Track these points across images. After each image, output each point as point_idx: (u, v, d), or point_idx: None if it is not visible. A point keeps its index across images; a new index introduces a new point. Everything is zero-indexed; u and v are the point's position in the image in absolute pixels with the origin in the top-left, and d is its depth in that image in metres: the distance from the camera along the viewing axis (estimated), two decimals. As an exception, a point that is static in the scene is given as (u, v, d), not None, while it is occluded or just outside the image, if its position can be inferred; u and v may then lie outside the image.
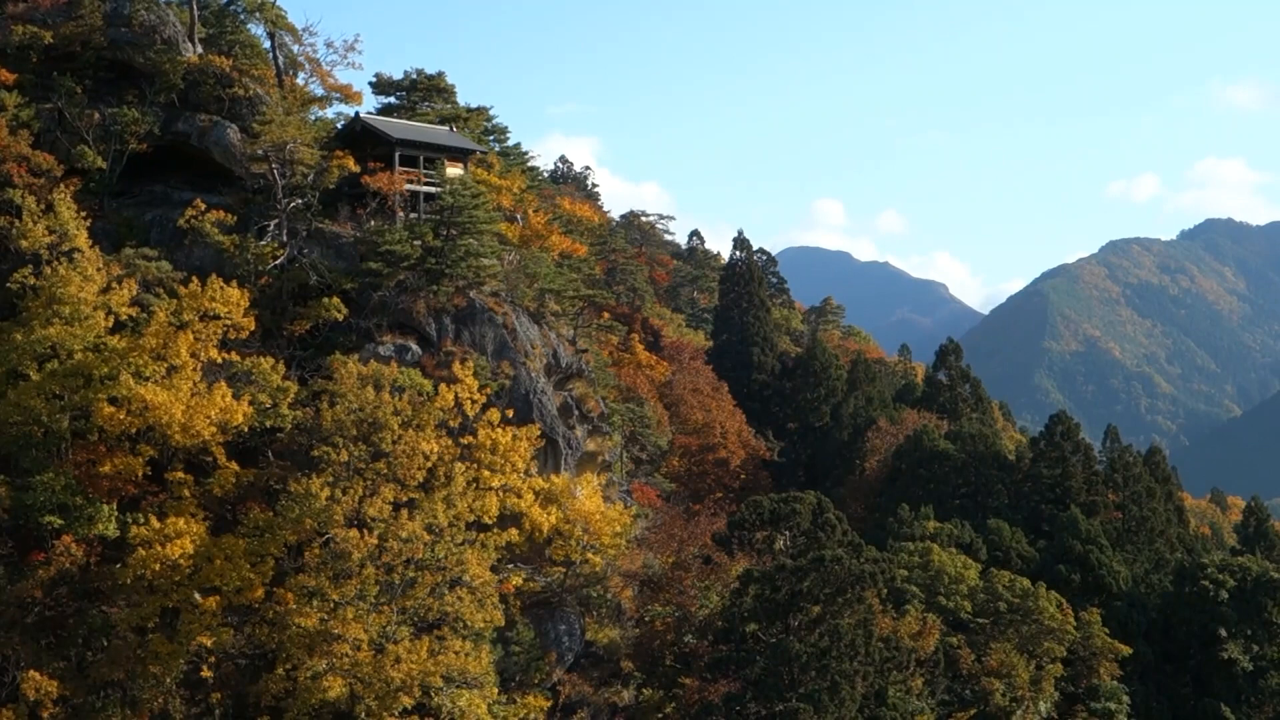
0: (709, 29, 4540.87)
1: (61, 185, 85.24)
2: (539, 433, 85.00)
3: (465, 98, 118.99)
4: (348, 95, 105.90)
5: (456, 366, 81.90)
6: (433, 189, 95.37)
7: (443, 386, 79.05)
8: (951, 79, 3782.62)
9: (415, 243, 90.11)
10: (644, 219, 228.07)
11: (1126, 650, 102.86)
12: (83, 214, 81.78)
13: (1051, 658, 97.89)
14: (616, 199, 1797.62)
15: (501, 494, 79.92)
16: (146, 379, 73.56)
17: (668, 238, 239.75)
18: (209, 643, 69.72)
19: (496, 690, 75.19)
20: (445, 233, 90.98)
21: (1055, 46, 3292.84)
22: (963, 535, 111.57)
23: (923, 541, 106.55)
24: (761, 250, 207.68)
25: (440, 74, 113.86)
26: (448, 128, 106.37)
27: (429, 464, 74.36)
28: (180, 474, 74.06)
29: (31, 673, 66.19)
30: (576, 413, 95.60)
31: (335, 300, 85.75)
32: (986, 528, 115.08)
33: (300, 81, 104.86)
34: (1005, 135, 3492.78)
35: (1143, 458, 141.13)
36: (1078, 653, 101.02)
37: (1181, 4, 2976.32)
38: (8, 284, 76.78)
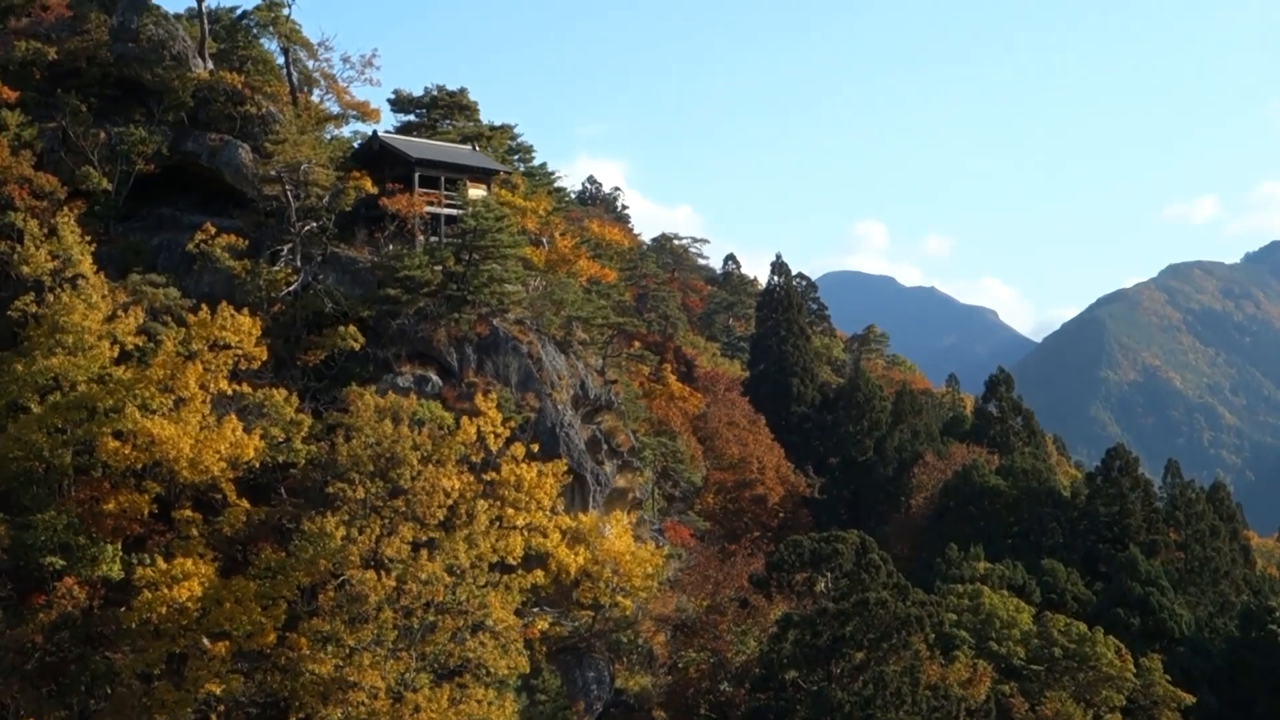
0: (742, 50, 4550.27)
1: (65, 208, 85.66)
2: (566, 468, 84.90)
3: (488, 115, 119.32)
4: (365, 113, 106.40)
5: (479, 398, 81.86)
6: (454, 211, 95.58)
7: (464, 420, 78.96)
8: (998, 99, 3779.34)
9: (436, 268, 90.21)
10: (676, 242, 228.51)
11: (1190, 699, 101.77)
12: (87, 238, 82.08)
13: (1110, 706, 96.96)
14: (648, 222, 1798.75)
15: (526, 533, 79.75)
16: (153, 412, 73.64)
17: (701, 262, 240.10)
18: (218, 690, 69.56)
19: (521, 741, 74.95)
20: (467, 257, 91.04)
21: (1108, 67, 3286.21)
22: (1015, 577, 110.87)
23: (972, 583, 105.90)
24: (801, 275, 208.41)
25: (462, 90, 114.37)
26: (470, 147, 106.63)
27: (450, 502, 74.17)
28: (188, 512, 74.10)
29: (31, 721, 66.24)
30: (605, 447, 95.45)
31: (351, 329, 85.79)
32: (1040, 569, 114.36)
33: (315, 99, 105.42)
34: (1055, 155, 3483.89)
35: (1206, 494, 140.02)
36: (1138, 701, 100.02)
37: (1238, 27, 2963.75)
38: (9, 312, 77.07)
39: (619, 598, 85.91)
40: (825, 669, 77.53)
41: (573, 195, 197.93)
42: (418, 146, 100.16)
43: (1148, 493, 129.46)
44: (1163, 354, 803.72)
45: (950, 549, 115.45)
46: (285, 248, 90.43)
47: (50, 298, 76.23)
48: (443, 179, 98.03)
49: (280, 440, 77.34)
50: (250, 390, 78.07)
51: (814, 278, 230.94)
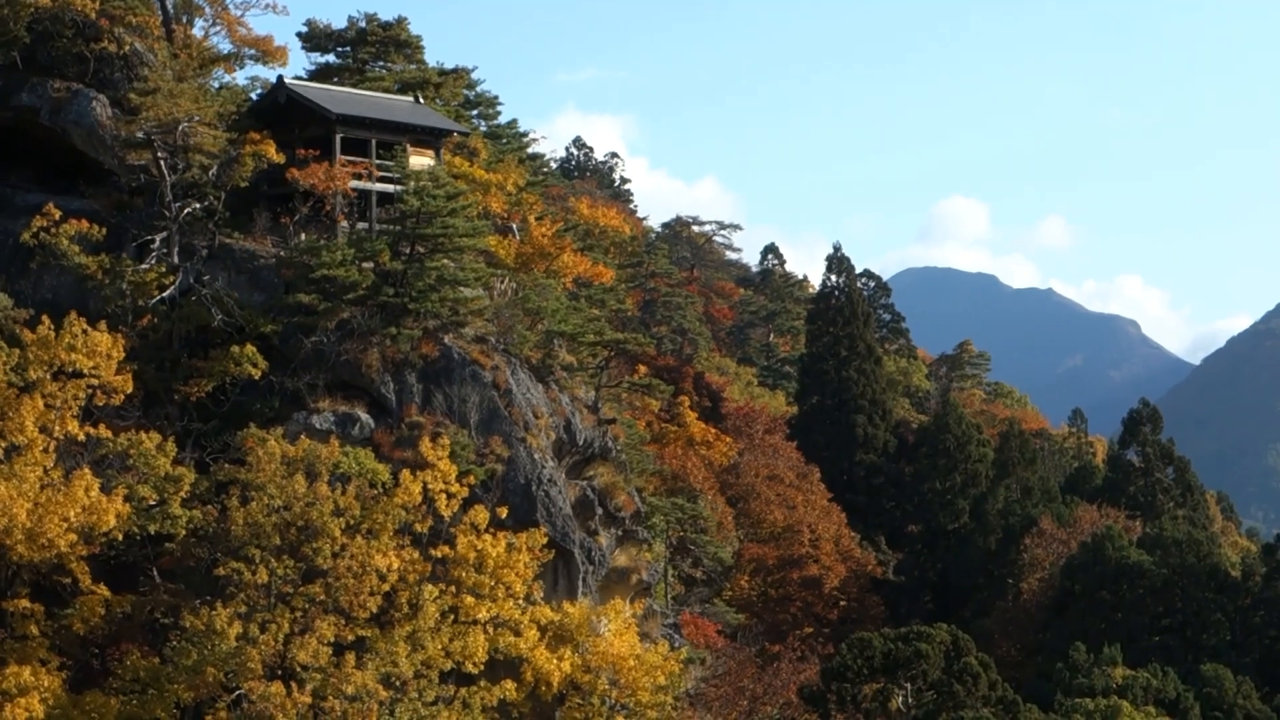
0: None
1: None
2: (546, 540, 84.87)
3: (437, 55, 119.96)
4: (267, 52, 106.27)
5: (425, 445, 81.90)
6: (390, 187, 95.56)
7: (405, 474, 79.01)
8: (1139, 29, 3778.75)
9: (365, 265, 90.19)
10: (697, 229, 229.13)
11: None
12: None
13: None
14: (657, 200, 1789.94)
15: (491, 630, 79.72)
16: (-25, 465, 73.61)
17: (731, 256, 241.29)
18: None
19: None
20: (409, 250, 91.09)
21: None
22: (1165, 687, 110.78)
23: (1107, 697, 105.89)
24: (868, 273, 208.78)
25: (401, 20, 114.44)
26: (412, 99, 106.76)
27: (386, 587, 74.23)
28: (25, 603, 73.98)
29: None
30: (600, 511, 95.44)
31: (249, 349, 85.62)
32: (1200, 676, 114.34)
33: (198, 33, 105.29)
34: (1221, 107, 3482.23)
35: None
36: None
37: None
38: None
39: (619, 718, 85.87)
40: (904, 816, 77.71)
41: (554, 164, 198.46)
42: (339, 98, 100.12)
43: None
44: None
45: (1076, 650, 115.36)
46: (158, 238, 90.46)
47: None
48: (374, 143, 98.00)
49: (152, 504, 77.18)
50: (110, 435, 78.02)
51: (886, 277, 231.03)
